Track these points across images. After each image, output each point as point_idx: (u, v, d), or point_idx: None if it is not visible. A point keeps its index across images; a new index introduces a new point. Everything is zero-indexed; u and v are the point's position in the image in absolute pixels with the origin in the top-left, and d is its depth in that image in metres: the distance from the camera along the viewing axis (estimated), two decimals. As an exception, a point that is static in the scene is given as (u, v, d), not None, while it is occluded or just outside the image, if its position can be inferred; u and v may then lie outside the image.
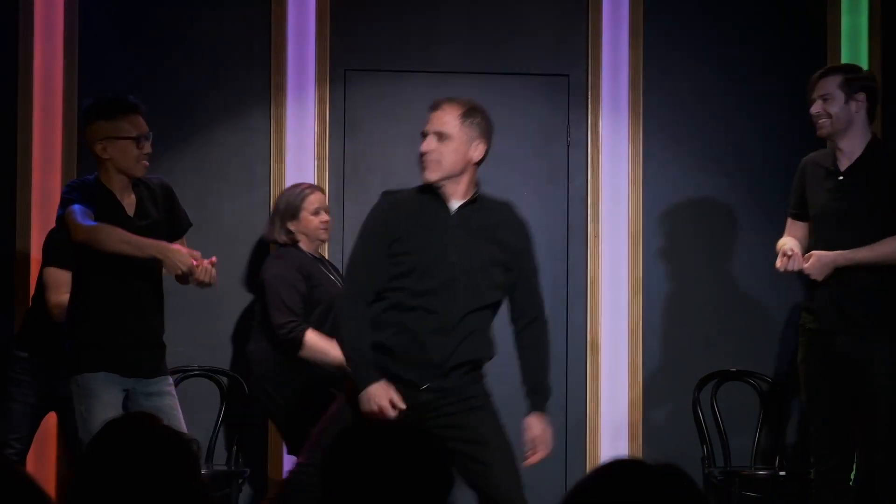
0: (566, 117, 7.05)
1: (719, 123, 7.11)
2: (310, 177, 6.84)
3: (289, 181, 6.81)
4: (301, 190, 6.36)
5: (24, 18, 6.68)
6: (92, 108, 5.51)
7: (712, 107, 7.11)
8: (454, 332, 4.83)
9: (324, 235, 6.36)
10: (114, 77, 6.64)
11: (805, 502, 6.37)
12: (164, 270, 5.49)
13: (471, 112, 4.91)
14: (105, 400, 5.38)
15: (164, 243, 5.33)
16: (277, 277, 6.14)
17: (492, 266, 4.89)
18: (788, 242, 5.83)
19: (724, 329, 7.07)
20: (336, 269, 6.38)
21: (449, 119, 4.88)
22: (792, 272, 5.69)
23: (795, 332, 6.67)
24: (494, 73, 7.04)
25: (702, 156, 7.10)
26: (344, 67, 6.93)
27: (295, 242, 6.30)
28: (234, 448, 6.77)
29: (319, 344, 6.03)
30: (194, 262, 5.24)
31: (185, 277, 5.30)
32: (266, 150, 6.86)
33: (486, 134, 4.92)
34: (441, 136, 4.86)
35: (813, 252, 5.70)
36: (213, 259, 5.30)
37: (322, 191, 6.47)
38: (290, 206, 6.31)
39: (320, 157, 6.87)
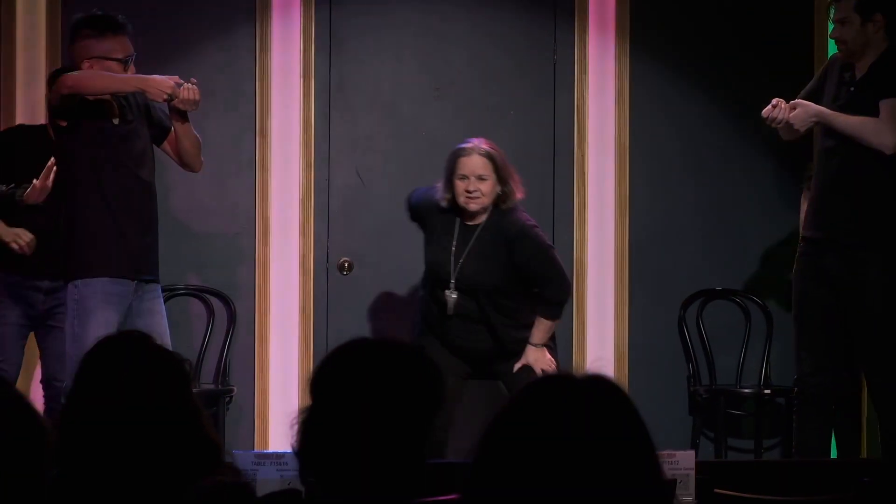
0: (553, 35, 7.01)
1: (708, 41, 7.06)
2: (296, 95, 6.80)
3: (275, 100, 6.77)
4: None
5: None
6: (81, 24, 5.52)
7: (702, 25, 7.05)
8: None
9: None
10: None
11: (788, 420, 6.41)
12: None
13: None
14: (101, 318, 5.39)
15: (142, 75, 5.54)
16: None
17: None
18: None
19: (711, 248, 7.07)
20: None
21: None
22: (776, 120, 5.61)
23: (782, 251, 6.69)
24: (480, -9, 6.98)
25: (690, 74, 7.06)
26: (329, -15, 6.87)
27: None
28: (221, 367, 6.78)
29: None
30: (176, 85, 5.47)
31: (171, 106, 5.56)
32: (251, 68, 6.81)
33: None
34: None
35: (798, 101, 5.66)
36: (194, 80, 5.55)
37: None
38: None
39: (306, 76, 6.82)
